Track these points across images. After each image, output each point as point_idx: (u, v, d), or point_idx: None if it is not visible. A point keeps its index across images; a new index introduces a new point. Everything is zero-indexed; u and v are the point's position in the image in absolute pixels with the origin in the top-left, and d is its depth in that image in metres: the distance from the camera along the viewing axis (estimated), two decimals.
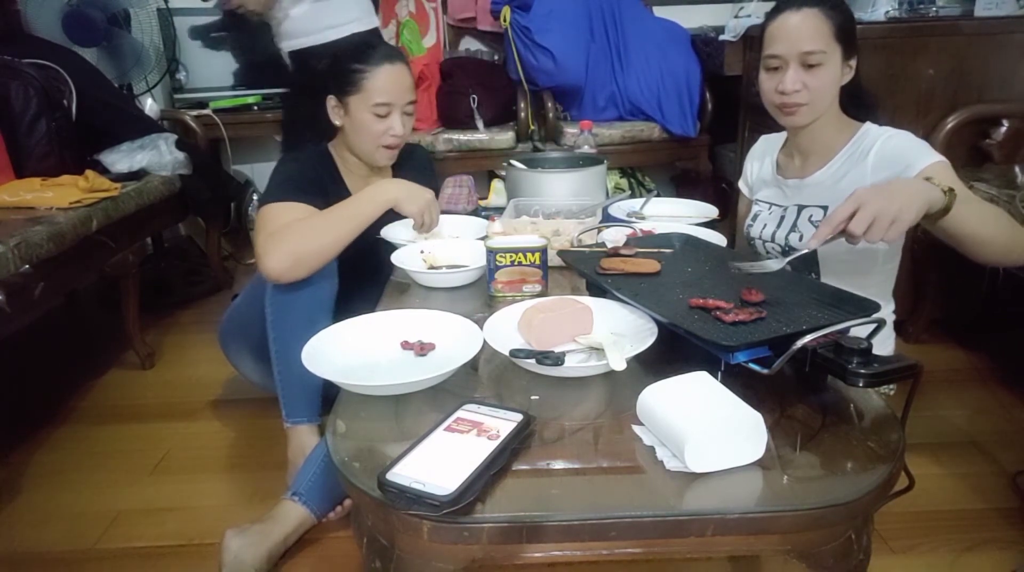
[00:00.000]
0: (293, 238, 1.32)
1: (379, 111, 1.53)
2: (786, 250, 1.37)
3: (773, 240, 1.40)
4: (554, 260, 1.31)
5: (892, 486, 0.77)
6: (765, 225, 1.42)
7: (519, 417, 0.82)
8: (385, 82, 1.53)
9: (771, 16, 1.30)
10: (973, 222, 1.07)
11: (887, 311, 1.36)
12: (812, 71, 1.24)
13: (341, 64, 1.56)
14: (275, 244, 1.31)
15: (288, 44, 2.10)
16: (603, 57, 2.82)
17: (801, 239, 1.32)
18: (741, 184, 1.60)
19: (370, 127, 1.54)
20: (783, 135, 1.47)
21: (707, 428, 0.75)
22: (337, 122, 1.59)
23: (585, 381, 0.97)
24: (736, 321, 0.90)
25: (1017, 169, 1.87)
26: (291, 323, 1.36)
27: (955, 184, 1.09)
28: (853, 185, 1.24)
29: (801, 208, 1.35)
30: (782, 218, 1.39)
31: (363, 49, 1.57)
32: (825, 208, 1.30)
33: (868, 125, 1.32)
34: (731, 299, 0.97)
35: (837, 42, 1.24)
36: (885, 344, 1.36)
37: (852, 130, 1.32)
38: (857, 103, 1.34)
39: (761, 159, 1.52)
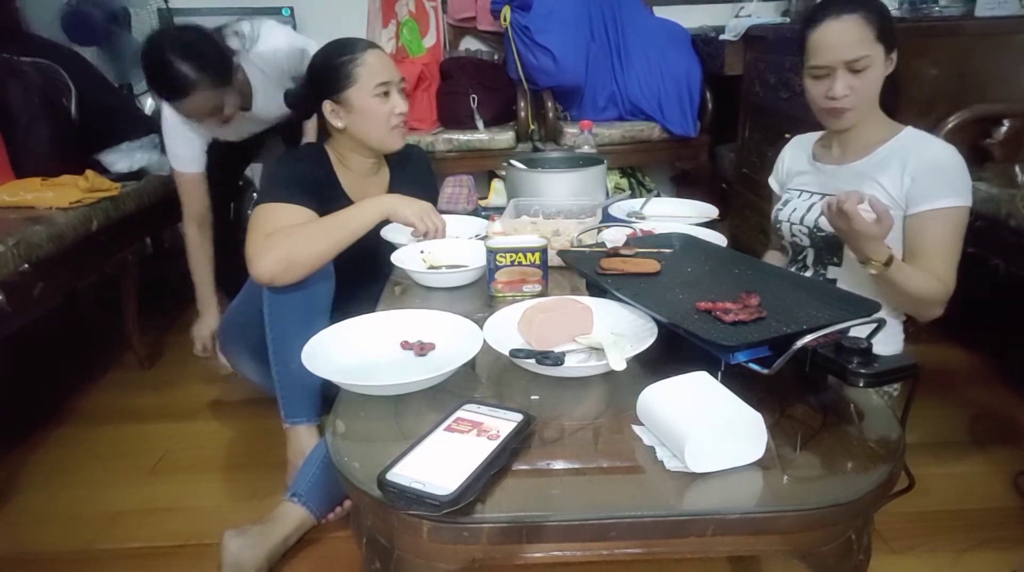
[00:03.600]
0: (287, 243, 1.32)
1: (380, 90, 1.53)
2: (813, 233, 1.37)
3: (801, 222, 1.39)
4: (554, 260, 1.31)
5: (892, 486, 0.77)
6: (795, 209, 1.42)
7: (519, 417, 0.82)
8: (376, 63, 1.54)
9: (811, 25, 1.30)
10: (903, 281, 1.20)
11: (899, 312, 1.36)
12: (859, 75, 1.27)
13: (327, 65, 1.55)
14: (268, 248, 1.31)
15: None
16: (603, 57, 2.81)
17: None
18: (771, 181, 1.58)
19: (376, 111, 1.54)
20: (816, 134, 1.48)
21: (707, 428, 0.75)
22: (339, 124, 1.56)
23: (585, 381, 0.97)
24: (736, 321, 0.90)
25: (1017, 168, 1.87)
26: (288, 323, 1.36)
27: (943, 236, 1.23)
28: (890, 182, 1.29)
29: None
30: (811, 205, 1.39)
31: (340, 45, 1.57)
32: None
33: (908, 129, 1.34)
34: (732, 300, 0.96)
35: (879, 43, 1.27)
36: (894, 342, 1.35)
37: (892, 130, 1.35)
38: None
39: (793, 154, 1.53)
